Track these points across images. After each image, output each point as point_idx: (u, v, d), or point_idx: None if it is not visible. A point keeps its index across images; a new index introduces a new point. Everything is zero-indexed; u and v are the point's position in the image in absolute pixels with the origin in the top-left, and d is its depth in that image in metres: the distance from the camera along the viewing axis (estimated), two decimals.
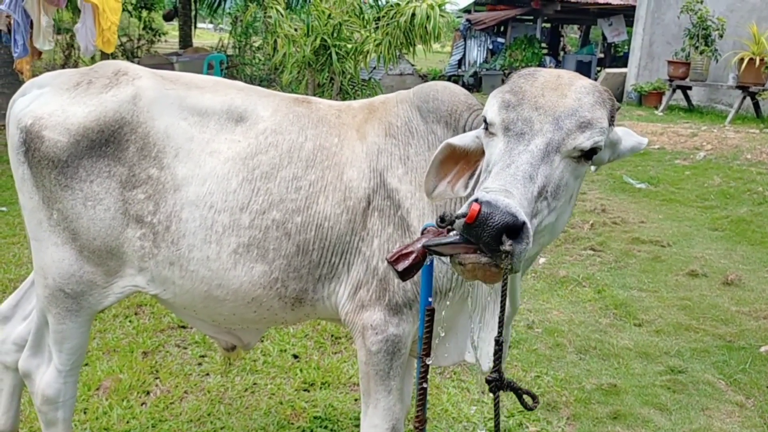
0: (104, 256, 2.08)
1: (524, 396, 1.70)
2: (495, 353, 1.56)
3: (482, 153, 1.74)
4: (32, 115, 2.02)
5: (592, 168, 1.76)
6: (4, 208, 6.31)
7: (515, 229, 1.36)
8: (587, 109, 1.56)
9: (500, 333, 1.52)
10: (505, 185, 1.44)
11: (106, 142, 2.02)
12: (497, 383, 1.59)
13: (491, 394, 1.61)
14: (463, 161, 1.82)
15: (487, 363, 2.07)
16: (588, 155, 1.58)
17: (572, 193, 1.66)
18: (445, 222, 1.44)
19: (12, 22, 7.16)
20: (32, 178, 2.04)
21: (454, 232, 1.45)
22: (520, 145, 1.53)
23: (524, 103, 1.58)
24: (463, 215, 1.38)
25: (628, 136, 1.77)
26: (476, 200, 1.38)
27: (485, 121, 1.64)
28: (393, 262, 1.57)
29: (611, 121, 1.63)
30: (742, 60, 11.79)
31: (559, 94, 1.58)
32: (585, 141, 1.54)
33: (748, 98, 12.04)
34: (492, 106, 1.63)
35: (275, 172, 2.06)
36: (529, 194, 1.46)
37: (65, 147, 1.99)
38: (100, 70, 2.13)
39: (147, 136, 2.03)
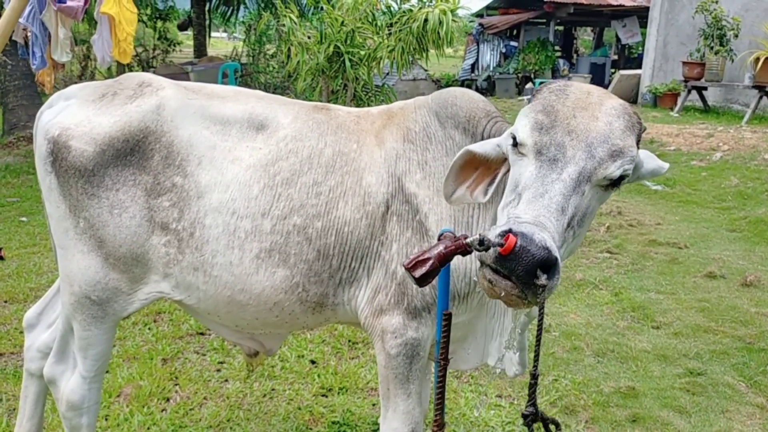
0: (130, 263, 2.12)
1: (550, 425, 1.70)
2: (530, 386, 1.55)
3: (502, 162, 1.76)
4: (59, 125, 2.07)
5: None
6: (24, 218, 6.40)
7: (549, 264, 1.37)
8: (618, 137, 1.56)
9: (536, 366, 1.52)
10: (539, 217, 1.44)
11: (131, 151, 2.06)
12: (533, 417, 1.59)
13: (526, 428, 1.60)
14: (482, 167, 1.82)
15: (511, 368, 2.08)
16: (615, 183, 1.59)
17: (594, 216, 1.67)
18: (483, 246, 1.41)
19: (29, 34, 7.25)
20: (59, 188, 2.08)
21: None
22: (553, 172, 1.53)
23: (557, 126, 1.57)
24: (499, 245, 1.37)
25: (649, 159, 1.75)
26: (511, 231, 1.37)
27: (514, 138, 1.63)
28: (410, 268, 1.58)
29: (637, 145, 1.63)
30: (758, 59, 11.68)
31: (590, 116, 1.57)
32: (615, 170, 1.55)
33: (765, 98, 11.93)
34: (524, 126, 1.61)
35: (296, 178, 2.09)
36: (561, 227, 1.47)
37: (91, 156, 2.04)
38: (125, 82, 2.18)
39: (171, 144, 2.07)
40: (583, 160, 1.53)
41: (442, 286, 1.83)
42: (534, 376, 1.53)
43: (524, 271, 1.35)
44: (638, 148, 1.64)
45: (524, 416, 1.58)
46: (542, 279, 1.36)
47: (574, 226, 1.54)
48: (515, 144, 1.63)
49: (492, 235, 1.40)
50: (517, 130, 1.63)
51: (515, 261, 1.36)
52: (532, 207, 1.47)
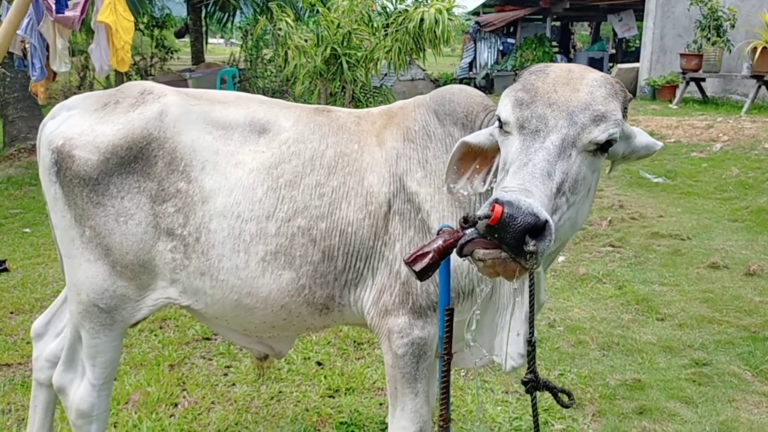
0: (136, 270, 2.14)
1: (560, 394, 1.71)
2: (528, 354, 1.56)
3: (497, 150, 1.76)
4: (63, 135, 2.09)
5: (607, 169, 1.76)
6: (27, 230, 6.42)
7: (538, 228, 1.37)
8: (600, 102, 1.57)
9: (531, 333, 1.53)
10: (524, 184, 1.45)
11: (135, 159, 2.08)
12: (533, 384, 1.60)
13: (528, 395, 1.61)
14: (480, 158, 1.84)
15: (509, 363, 2.09)
16: (604, 148, 1.60)
17: (590, 187, 1.67)
18: (468, 223, 1.43)
19: (28, 46, 7.28)
20: (64, 197, 2.10)
21: (471, 230, 1.45)
22: (536, 142, 1.54)
23: (537, 100, 1.59)
24: (486, 216, 1.38)
25: (642, 134, 1.77)
26: (497, 201, 1.38)
27: (499, 120, 1.66)
28: (410, 262, 1.59)
29: (624, 113, 1.65)
30: (755, 49, 11.65)
31: (572, 89, 1.59)
32: (600, 134, 1.55)
33: (763, 87, 11.91)
34: (505, 105, 1.64)
35: (299, 180, 2.11)
36: (549, 191, 1.47)
37: (96, 165, 2.06)
38: (127, 91, 2.20)
39: (174, 150, 2.09)
40: (566, 127, 1.54)
41: (443, 281, 1.85)
42: (531, 343, 1.54)
43: (513, 238, 1.36)
44: (626, 117, 1.65)
45: (524, 383, 1.59)
46: (530, 245, 1.36)
47: (565, 191, 1.54)
48: (501, 126, 1.65)
49: (480, 211, 1.41)
50: (500, 110, 1.66)
51: (503, 229, 1.36)
52: (517, 176, 1.49)
